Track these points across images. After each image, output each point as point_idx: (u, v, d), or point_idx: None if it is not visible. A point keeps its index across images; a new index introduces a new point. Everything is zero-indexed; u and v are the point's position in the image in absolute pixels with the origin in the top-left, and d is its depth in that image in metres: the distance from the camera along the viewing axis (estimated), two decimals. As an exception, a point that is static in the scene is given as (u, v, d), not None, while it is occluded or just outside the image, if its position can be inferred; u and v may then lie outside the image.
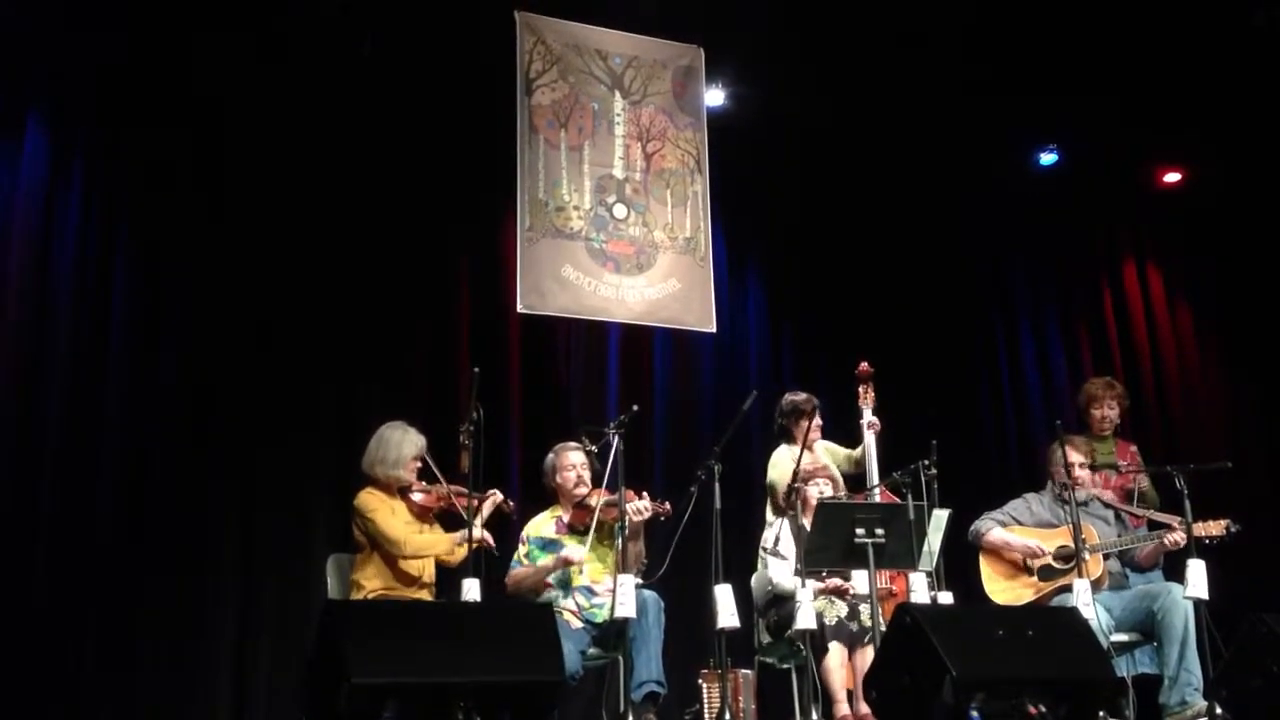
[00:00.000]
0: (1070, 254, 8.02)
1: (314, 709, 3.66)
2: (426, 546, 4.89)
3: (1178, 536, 5.02)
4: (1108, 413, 6.21)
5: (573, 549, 4.96)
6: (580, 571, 4.96)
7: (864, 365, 5.98)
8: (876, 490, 5.50)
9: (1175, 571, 5.06)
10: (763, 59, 6.95)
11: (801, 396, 5.85)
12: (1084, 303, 8.05)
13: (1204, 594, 4.69)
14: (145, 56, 5.91)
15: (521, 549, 5.11)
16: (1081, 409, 6.36)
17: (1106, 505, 5.53)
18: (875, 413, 5.92)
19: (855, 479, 5.89)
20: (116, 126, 5.87)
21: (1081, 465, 5.36)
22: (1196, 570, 4.71)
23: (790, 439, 5.76)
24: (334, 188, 6.19)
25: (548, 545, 5.08)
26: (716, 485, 4.65)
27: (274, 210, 6.07)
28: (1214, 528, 5.00)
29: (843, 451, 6.05)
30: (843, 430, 6.05)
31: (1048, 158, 7.78)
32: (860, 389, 5.94)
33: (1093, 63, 6.90)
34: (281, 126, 6.13)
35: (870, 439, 5.85)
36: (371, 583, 4.81)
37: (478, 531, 4.69)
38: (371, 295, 6.21)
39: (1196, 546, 4.82)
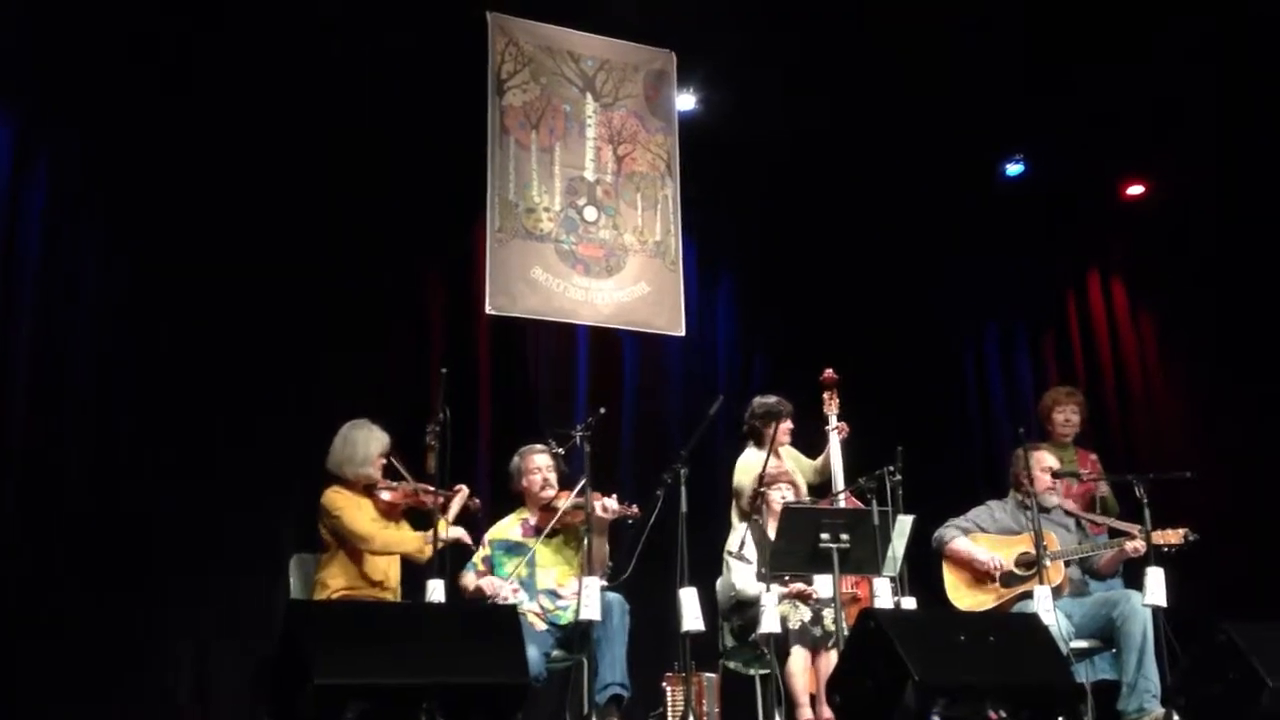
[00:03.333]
0: (1036, 264, 8.10)
1: (276, 709, 3.64)
2: (394, 543, 4.87)
3: (1138, 544, 5.08)
4: (1071, 417, 6.31)
5: (490, 582, 4.96)
6: (529, 571, 4.96)
7: (829, 372, 6.02)
8: (842, 496, 5.53)
9: (1134, 579, 5.12)
10: (734, 64, 6.98)
11: (773, 400, 5.86)
12: (1049, 313, 8.13)
13: (1162, 601, 4.74)
14: (112, 49, 5.84)
15: (481, 551, 5.10)
16: (1043, 416, 6.43)
17: (1068, 513, 5.59)
18: (840, 419, 5.95)
19: (820, 488, 5.91)
20: (83, 120, 5.80)
21: (1047, 470, 5.41)
22: (1155, 578, 4.76)
23: (759, 441, 5.78)
24: (305, 185, 6.16)
25: (512, 549, 5.08)
26: (683, 489, 4.66)
27: (243, 208, 6.02)
28: (1173, 536, 5.06)
29: (807, 461, 6.07)
30: (809, 436, 6.07)
31: (1014, 168, 7.85)
32: (825, 395, 5.98)
33: (1060, 75, 6.98)
34: (252, 124, 6.07)
35: (835, 444, 5.88)
36: (336, 582, 4.78)
37: (445, 531, 4.68)
38: (340, 294, 6.18)
39: (1155, 554, 4.88)
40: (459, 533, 4.88)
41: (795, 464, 5.95)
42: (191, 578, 5.65)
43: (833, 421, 5.93)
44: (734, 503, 5.71)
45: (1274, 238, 7.47)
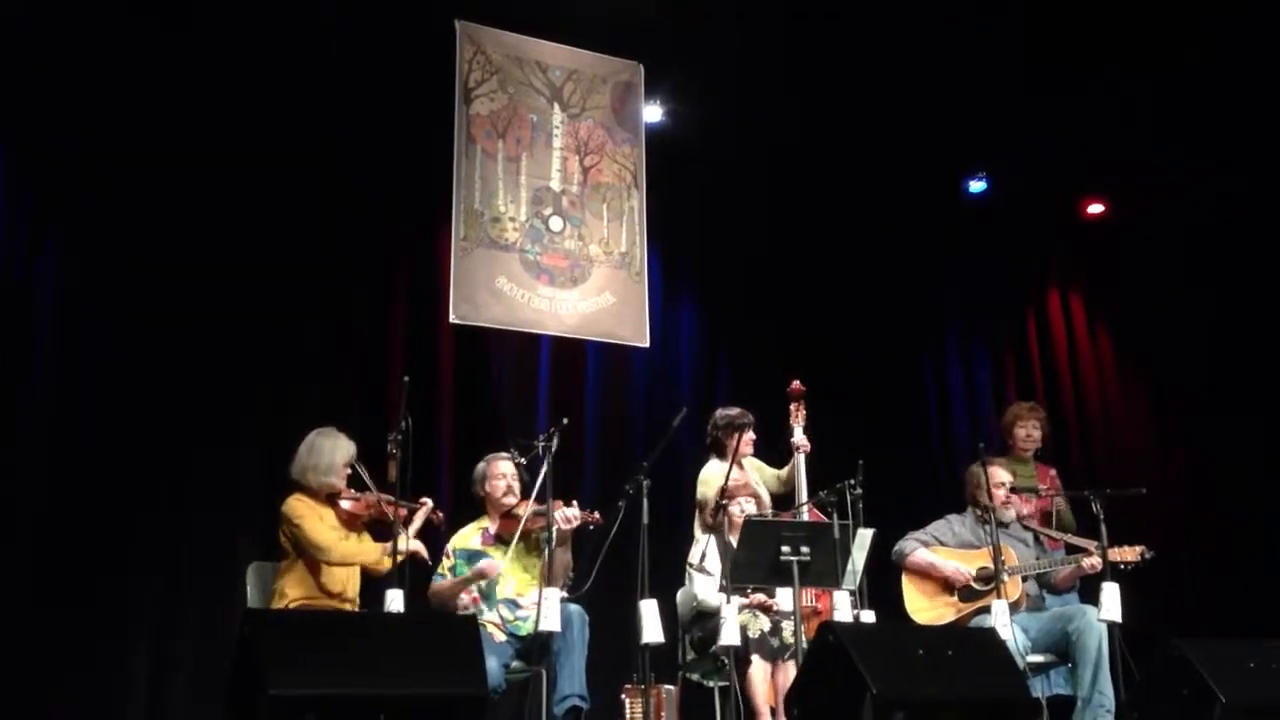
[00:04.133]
0: (997, 282, 8.18)
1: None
2: (353, 554, 4.83)
3: (1095, 560, 5.12)
4: (1032, 432, 6.37)
5: (489, 562, 4.94)
6: (496, 582, 4.93)
7: (796, 384, 6.04)
8: (804, 509, 5.55)
9: (1090, 593, 5.17)
10: (701, 78, 7.01)
11: (736, 411, 5.88)
12: (1009, 330, 8.22)
13: (1117, 617, 4.80)
14: (77, 54, 5.78)
15: (446, 561, 5.08)
16: (1005, 431, 6.49)
17: (1026, 528, 5.64)
18: (805, 431, 5.98)
19: (783, 498, 5.93)
20: (45, 124, 5.73)
21: (1001, 486, 5.45)
22: (1111, 593, 4.82)
23: (722, 453, 5.78)
24: (269, 191, 6.11)
25: (473, 557, 5.05)
26: (644, 500, 4.66)
27: (206, 212, 5.97)
28: (1129, 554, 5.11)
29: (770, 471, 6.09)
30: (772, 448, 6.09)
31: (977, 185, 7.92)
32: (792, 407, 6.00)
33: (1023, 94, 7.05)
34: (218, 127, 6.02)
35: (800, 457, 5.90)
36: (294, 591, 4.74)
37: (404, 543, 4.64)
38: (304, 301, 6.13)
39: (1111, 570, 4.93)
40: (418, 546, 4.84)
41: (759, 474, 5.97)
42: (151, 586, 5.59)
43: (798, 434, 5.96)
44: (697, 514, 5.72)
45: (1229, 258, 7.60)
